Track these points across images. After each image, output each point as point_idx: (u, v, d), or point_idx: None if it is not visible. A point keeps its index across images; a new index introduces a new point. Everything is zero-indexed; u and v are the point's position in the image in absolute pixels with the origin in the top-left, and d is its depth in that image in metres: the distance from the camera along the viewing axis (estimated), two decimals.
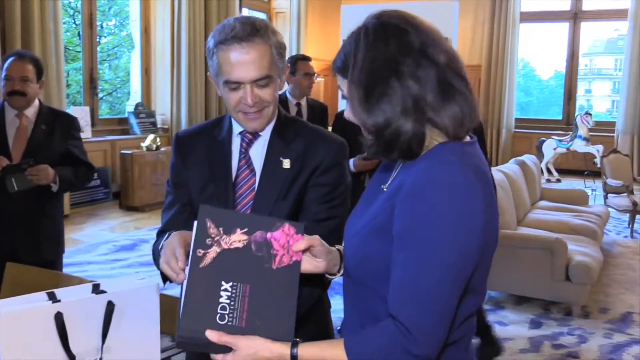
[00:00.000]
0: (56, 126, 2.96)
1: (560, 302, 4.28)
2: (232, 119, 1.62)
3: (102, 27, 10.51)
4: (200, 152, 1.63)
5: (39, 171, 2.78)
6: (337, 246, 1.39)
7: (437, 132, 1.17)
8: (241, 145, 1.61)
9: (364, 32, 1.16)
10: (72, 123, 3.05)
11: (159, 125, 8.13)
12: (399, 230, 1.11)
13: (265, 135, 1.61)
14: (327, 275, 1.39)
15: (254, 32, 1.46)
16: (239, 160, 1.60)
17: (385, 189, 1.24)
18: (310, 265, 1.28)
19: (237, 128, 1.61)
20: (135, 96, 8.33)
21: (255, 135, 1.60)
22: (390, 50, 1.13)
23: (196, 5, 8.19)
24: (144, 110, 8.01)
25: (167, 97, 8.20)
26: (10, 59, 2.90)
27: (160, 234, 1.61)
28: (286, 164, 1.58)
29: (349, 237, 1.28)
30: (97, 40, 7.82)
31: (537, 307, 4.29)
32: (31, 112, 2.94)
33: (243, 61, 1.46)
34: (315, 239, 1.28)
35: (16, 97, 2.86)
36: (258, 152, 1.60)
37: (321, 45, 10.55)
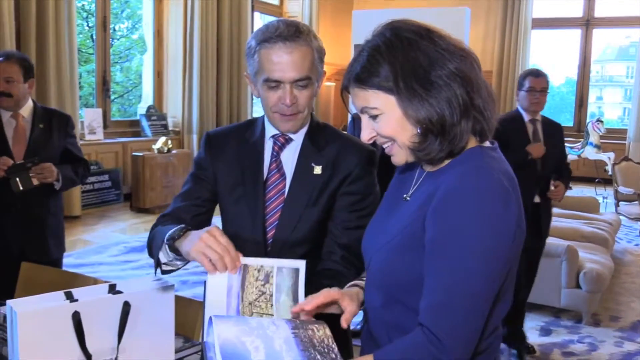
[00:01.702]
0: (53, 125, 3.01)
1: (570, 310, 4.26)
2: (265, 122, 1.62)
3: (114, 29, 10.57)
4: (230, 152, 1.64)
5: (44, 169, 2.81)
6: (357, 281, 1.38)
7: (471, 135, 1.16)
8: (273, 148, 1.61)
9: (394, 36, 1.13)
10: (68, 121, 3.10)
11: (170, 128, 8.17)
12: (433, 238, 1.10)
13: (298, 140, 1.61)
14: None
15: (297, 33, 1.48)
16: (270, 164, 1.60)
17: (408, 198, 1.23)
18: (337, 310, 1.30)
19: (269, 131, 1.61)
20: (147, 98, 8.37)
21: (288, 139, 1.61)
22: (428, 49, 1.12)
23: (209, 9, 8.22)
24: (156, 113, 8.05)
25: (179, 99, 8.23)
26: None
27: (164, 217, 1.60)
28: (317, 170, 1.58)
29: (373, 250, 1.26)
30: (110, 42, 7.87)
31: (548, 314, 4.27)
32: (26, 111, 2.97)
33: (285, 61, 1.47)
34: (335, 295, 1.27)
35: (2, 98, 2.88)
36: (289, 157, 1.60)
37: (332, 50, 10.54)
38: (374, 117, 1.17)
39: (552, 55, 11.52)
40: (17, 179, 2.77)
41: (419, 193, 1.20)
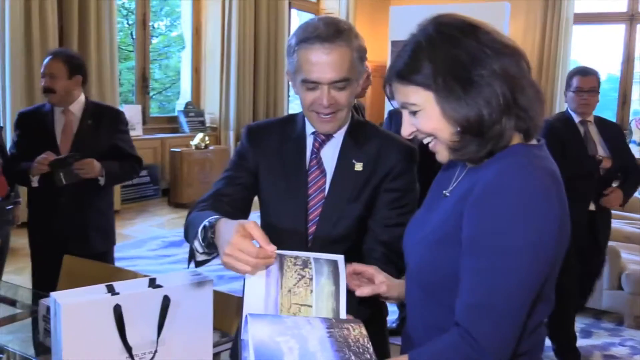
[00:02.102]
0: (102, 120, 3.06)
1: (612, 312, 4.16)
2: (305, 119, 1.62)
3: (153, 27, 10.71)
4: (272, 145, 1.64)
5: (85, 165, 2.87)
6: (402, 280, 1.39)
7: (516, 133, 1.14)
8: (313, 145, 1.61)
9: (437, 32, 1.12)
10: (117, 117, 3.14)
11: (207, 124, 8.25)
12: (470, 236, 1.08)
13: (338, 137, 1.61)
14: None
15: (337, 33, 1.46)
16: (310, 160, 1.61)
17: (447, 194, 1.21)
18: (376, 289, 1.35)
19: (310, 128, 1.61)
20: (185, 95, 8.47)
21: (328, 136, 1.60)
22: (471, 46, 1.10)
23: (246, 7, 8.27)
24: (194, 109, 8.14)
25: (217, 96, 8.30)
26: (47, 57, 3.02)
27: (202, 202, 1.54)
28: (358, 166, 1.57)
29: (411, 245, 1.26)
30: (149, 40, 7.98)
31: (588, 316, 4.18)
32: (76, 107, 3.04)
33: (323, 62, 1.46)
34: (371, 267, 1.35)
35: (46, 94, 2.98)
36: (329, 154, 1.60)
37: (370, 46, 10.45)
38: (413, 113, 1.16)
39: (594, 51, 11.25)
40: (61, 174, 2.86)
41: (458, 189, 1.18)
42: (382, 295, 1.37)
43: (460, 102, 1.09)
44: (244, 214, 1.60)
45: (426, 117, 1.14)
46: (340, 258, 1.25)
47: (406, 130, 1.19)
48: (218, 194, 1.59)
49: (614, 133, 3.48)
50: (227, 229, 1.22)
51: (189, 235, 1.40)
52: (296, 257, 1.23)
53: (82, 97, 3.08)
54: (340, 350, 1.08)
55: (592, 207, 3.37)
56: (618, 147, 3.44)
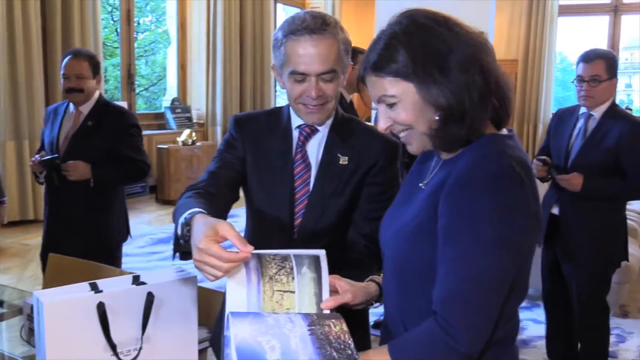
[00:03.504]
0: (103, 122, 3.00)
1: None
2: (291, 112, 1.62)
3: (139, 23, 10.65)
4: (258, 135, 1.63)
5: (69, 167, 2.87)
6: (373, 277, 1.39)
7: (488, 122, 1.16)
8: (298, 138, 1.61)
9: (412, 23, 1.13)
10: (120, 117, 3.07)
11: (194, 120, 8.23)
12: (444, 226, 1.09)
13: (323, 131, 1.61)
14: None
15: (324, 25, 1.47)
16: (295, 154, 1.61)
17: (423, 187, 1.22)
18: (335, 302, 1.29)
19: (295, 121, 1.62)
20: (172, 91, 8.44)
21: (313, 130, 1.61)
22: (445, 36, 1.11)
23: (232, 2, 8.24)
24: (180, 106, 8.11)
25: (203, 92, 8.28)
26: (67, 58, 3.02)
27: (193, 188, 1.50)
28: (343, 160, 1.59)
29: (388, 237, 1.27)
30: (135, 36, 7.93)
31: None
32: (87, 108, 3.04)
33: (311, 53, 1.47)
34: (343, 292, 1.29)
35: (74, 94, 2.98)
36: (314, 147, 1.61)
37: (356, 40, 10.45)
38: (391, 105, 1.16)
39: (579, 42, 11.31)
40: (54, 175, 2.89)
41: (434, 180, 1.20)
42: (350, 304, 1.30)
43: (442, 89, 1.10)
44: (235, 195, 1.60)
45: (404, 107, 1.14)
46: (322, 253, 1.25)
47: (382, 124, 1.19)
48: (212, 175, 1.57)
49: (620, 132, 2.82)
50: (198, 230, 1.16)
51: (175, 226, 1.38)
52: (275, 255, 1.22)
53: (95, 96, 3.07)
54: (322, 347, 1.09)
55: (555, 209, 3.05)
56: (611, 153, 2.84)
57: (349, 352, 1.10)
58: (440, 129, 1.13)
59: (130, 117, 3.13)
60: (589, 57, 2.90)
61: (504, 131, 1.20)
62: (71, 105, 3.06)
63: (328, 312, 1.21)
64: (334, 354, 1.08)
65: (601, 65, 2.86)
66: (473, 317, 1.07)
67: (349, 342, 1.12)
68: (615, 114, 2.91)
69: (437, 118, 1.13)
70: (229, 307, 1.16)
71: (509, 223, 1.05)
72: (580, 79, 2.90)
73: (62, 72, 3.01)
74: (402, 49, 1.11)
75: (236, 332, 1.08)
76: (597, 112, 2.93)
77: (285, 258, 1.20)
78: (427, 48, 1.10)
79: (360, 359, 1.12)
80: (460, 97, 1.10)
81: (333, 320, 1.15)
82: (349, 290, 1.30)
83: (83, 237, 3.00)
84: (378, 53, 1.14)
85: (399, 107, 1.15)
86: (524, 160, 1.13)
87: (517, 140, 1.19)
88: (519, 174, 1.07)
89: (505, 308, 1.12)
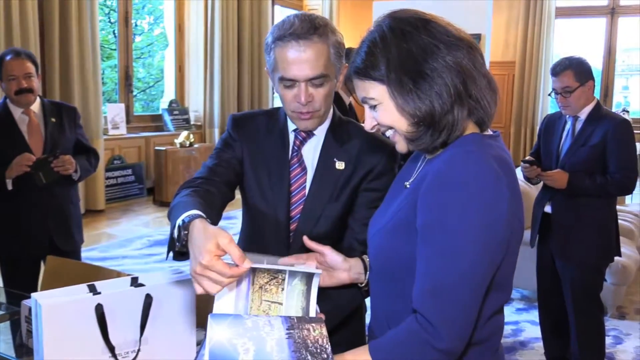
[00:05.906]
0: (64, 118, 3.09)
1: None
2: (287, 115, 1.62)
3: (136, 25, 10.65)
4: (256, 135, 1.63)
5: (65, 162, 2.90)
6: (363, 256, 1.41)
7: (470, 123, 1.17)
8: (294, 142, 1.61)
9: (389, 29, 1.15)
10: (75, 113, 3.18)
11: (192, 122, 8.23)
12: (422, 223, 1.10)
13: (320, 135, 1.60)
14: (359, 285, 1.42)
15: (312, 30, 1.46)
16: (291, 158, 1.60)
17: (408, 185, 1.24)
18: (330, 279, 1.38)
19: (291, 124, 1.61)
20: (169, 93, 8.44)
21: (309, 134, 1.60)
22: (423, 40, 1.13)
23: (229, 4, 8.24)
24: (178, 107, 8.11)
25: (201, 94, 8.28)
26: (9, 58, 2.93)
27: (189, 185, 1.50)
28: (340, 165, 1.58)
29: (371, 234, 1.28)
30: (132, 38, 7.93)
31: None
32: (36, 107, 3.03)
33: (299, 59, 1.45)
34: (326, 248, 1.37)
35: (25, 94, 2.92)
36: (310, 151, 1.60)
37: (353, 42, 10.46)
38: (373, 107, 1.19)
39: (576, 44, 11.34)
40: (41, 174, 2.86)
41: (417, 179, 1.21)
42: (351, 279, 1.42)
43: (412, 95, 1.12)
44: (231, 194, 1.58)
45: (384, 110, 1.17)
46: (317, 272, 1.21)
47: (368, 124, 1.22)
48: (210, 172, 1.55)
49: (605, 130, 2.94)
50: (199, 242, 1.13)
51: (170, 223, 1.37)
52: (269, 270, 1.20)
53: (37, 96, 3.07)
54: (297, 351, 1.10)
55: (547, 208, 3.16)
56: (598, 145, 2.96)
57: (325, 356, 1.11)
58: (414, 133, 1.16)
59: (78, 111, 3.25)
60: (555, 71, 3.02)
61: (489, 132, 1.21)
62: (13, 109, 2.94)
63: (314, 314, 1.21)
64: (309, 357, 1.09)
65: (569, 76, 2.97)
66: (452, 313, 1.07)
67: (326, 346, 1.13)
68: (599, 114, 3.03)
69: (409, 124, 1.15)
70: (215, 312, 1.16)
71: (483, 218, 1.06)
72: (555, 92, 3.03)
73: (8, 75, 2.88)
74: (379, 55, 1.15)
75: (212, 335, 1.09)
76: (583, 114, 3.05)
77: (280, 270, 1.20)
78: (402, 56, 1.12)
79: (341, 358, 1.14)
80: (430, 104, 1.12)
81: (313, 324, 1.15)
82: (346, 270, 1.41)
83: (67, 233, 3.08)
84: (361, 58, 1.18)
85: (379, 110, 1.18)
86: (503, 157, 1.13)
87: (501, 141, 1.20)
88: (495, 171, 1.08)
89: (485, 306, 1.12)
